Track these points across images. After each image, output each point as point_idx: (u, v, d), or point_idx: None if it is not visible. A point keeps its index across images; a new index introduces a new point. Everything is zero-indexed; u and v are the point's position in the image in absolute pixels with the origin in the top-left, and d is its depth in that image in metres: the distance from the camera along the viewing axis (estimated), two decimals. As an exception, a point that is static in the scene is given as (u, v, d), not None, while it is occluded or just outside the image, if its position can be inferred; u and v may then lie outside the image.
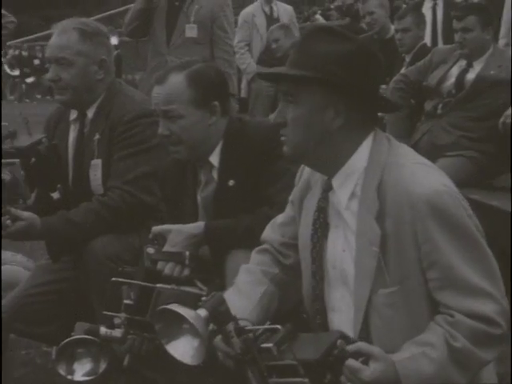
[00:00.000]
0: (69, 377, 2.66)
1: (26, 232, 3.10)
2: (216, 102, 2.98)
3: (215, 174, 3.03)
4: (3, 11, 7.35)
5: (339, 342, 2.07)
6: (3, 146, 3.02)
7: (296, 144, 2.29)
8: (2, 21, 7.23)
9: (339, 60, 2.23)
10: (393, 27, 6.67)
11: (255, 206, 2.92)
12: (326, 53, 2.24)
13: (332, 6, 14.91)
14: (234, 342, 2.16)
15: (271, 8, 8.90)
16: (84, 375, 2.67)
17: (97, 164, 3.32)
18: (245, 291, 2.48)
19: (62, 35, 3.31)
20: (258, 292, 2.48)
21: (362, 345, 2.11)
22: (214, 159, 3.02)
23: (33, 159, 3.06)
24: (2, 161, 3.00)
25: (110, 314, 2.67)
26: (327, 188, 2.35)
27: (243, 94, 9.01)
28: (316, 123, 2.26)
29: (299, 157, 2.36)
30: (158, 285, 2.64)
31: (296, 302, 2.54)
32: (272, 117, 7.75)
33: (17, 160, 3.01)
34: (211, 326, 2.21)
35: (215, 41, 5.93)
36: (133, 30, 5.95)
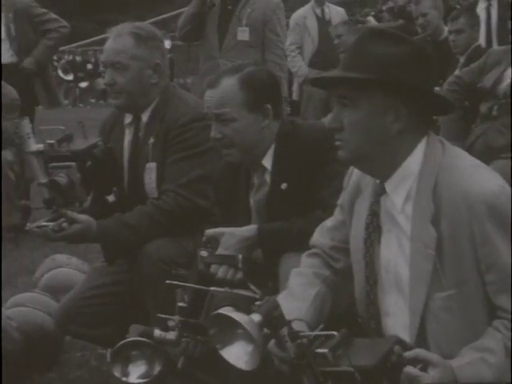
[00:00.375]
0: (124, 379, 2.69)
1: (82, 235, 3.12)
2: (268, 105, 2.98)
3: (268, 177, 3.03)
4: (55, 16, 7.42)
5: (396, 347, 2.05)
6: (60, 149, 3.05)
7: (354, 148, 2.27)
8: (55, 25, 7.31)
9: (396, 62, 2.21)
10: (446, 28, 6.59)
11: (308, 209, 2.91)
12: (382, 55, 2.22)
13: (384, 8, 14.81)
14: (289, 347, 2.15)
15: (323, 10, 8.87)
16: (138, 377, 2.69)
17: (151, 167, 3.33)
18: (298, 293, 2.47)
19: (117, 39, 3.33)
20: (311, 293, 2.47)
21: (420, 351, 2.09)
22: (267, 162, 3.02)
23: (89, 162, 3.08)
24: (59, 164, 3.03)
25: (164, 316, 2.68)
26: (380, 192, 2.33)
27: (295, 96, 8.99)
28: (375, 127, 2.24)
29: (356, 161, 2.34)
30: (212, 288, 2.64)
31: (348, 305, 2.53)
32: (325, 120, 7.72)
33: (73, 163, 3.04)
34: (265, 331, 2.20)
35: (267, 44, 5.94)
36: (186, 33, 5.98)
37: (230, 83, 2.95)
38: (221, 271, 2.79)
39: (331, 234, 2.56)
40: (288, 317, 2.23)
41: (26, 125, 3.03)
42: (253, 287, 2.73)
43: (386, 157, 2.27)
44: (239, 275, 2.80)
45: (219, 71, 3.17)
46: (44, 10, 7.31)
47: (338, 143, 2.29)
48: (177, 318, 2.65)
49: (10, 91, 6.46)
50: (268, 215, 3.02)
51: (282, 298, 2.38)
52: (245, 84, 2.95)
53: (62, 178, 3.01)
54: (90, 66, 28.07)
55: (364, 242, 2.35)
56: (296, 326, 2.28)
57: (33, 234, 3.17)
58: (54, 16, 7.35)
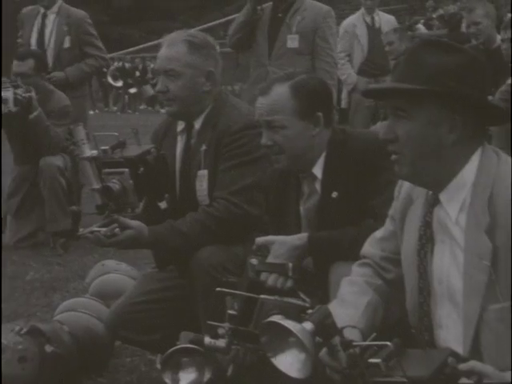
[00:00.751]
0: (174, 385, 2.69)
1: (134, 241, 3.14)
2: (319, 113, 2.98)
3: (318, 186, 3.03)
4: (101, 44, 7.45)
5: (450, 359, 2.02)
6: (114, 156, 3.07)
7: (410, 162, 2.25)
8: (96, 52, 7.35)
9: (452, 73, 2.20)
10: (499, 37, 6.53)
11: (359, 218, 2.90)
12: (436, 65, 2.21)
13: (434, 16, 14.75)
14: (341, 356, 2.14)
15: (373, 18, 8.84)
16: (188, 384, 2.70)
17: (203, 175, 3.34)
18: (350, 301, 2.46)
19: (171, 47, 3.34)
20: (363, 301, 2.46)
21: (475, 363, 2.06)
22: (317, 171, 3.02)
23: (141, 169, 3.09)
24: (112, 170, 3.05)
25: (214, 323, 2.68)
26: (434, 202, 2.31)
27: (343, 104, 8.97)
28: (430, 138, 2.22)
29: (413, 176, 2.31)
30: (262, 296, 2.63)
31: (400, 315, 2.51)
32: (373, 128, 7.69)
33: (126, 169, 3.05)
34: (317, 339, 2.20)
35: (317, 51, 5.93)
36: (236, 41, 6.01)
37: (281, 91, 2.96)
38: (271, 279, 2.79)
39: (382, 244, 2.55)
40: (340, 324, 2.22)
41: (80, 131, 3.04)
42: (303, 296, 2.72)
43: (440, 168, 2.25)
44: (289, 283, 2.80)
45: (271, 79, 3.18)
46: (94, 32, 7.38)
47: (393, 157, 2.28)
48: (227, 325, 2.65)
49: (61, 98, 6.54)
50: (318, 224, 3.02)
51: (334, 307, 2.37)
52: (296, 92, 2.96)
53: (114, 184, 3.02)
54: (137, 73, 28.35)
55: (417, 254, 2.33)
56: (348, 333, 2.28)
57: (84, 239, 3.19)
58: (99, 43, 7.40)
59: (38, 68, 6.39)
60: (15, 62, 6.35)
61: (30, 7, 7.50)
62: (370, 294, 2.48)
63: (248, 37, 5.92)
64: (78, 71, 7.20)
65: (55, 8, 7.29)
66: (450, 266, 2.27)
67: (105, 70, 21.49)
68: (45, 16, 7.30)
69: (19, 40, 7.45)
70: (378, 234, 2.57)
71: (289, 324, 2.18)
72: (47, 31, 7.26)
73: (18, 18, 7.52)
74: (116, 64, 28.20)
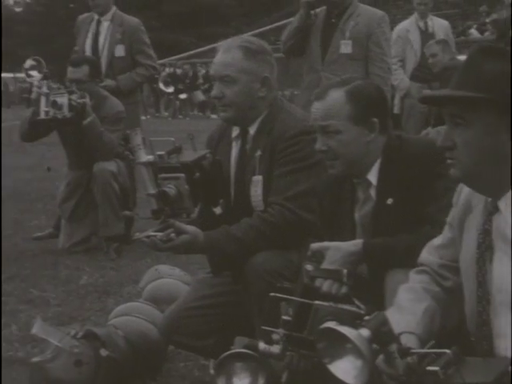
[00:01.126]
0: (228, 390, 2.70)
1: (190, 246, 3.14)
2: (375, 119, 2.97)
3: (373, 192, 3.01)
4: (152, 52, 7.50)
5: (510, 368, 2.00)
6: (170, 161, 3.09)
7: (466, 167, 2.24)
8: (147, 62, 7.40)
9: (509, 80, 2.17)
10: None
11: (415, 225, 2.87)
12: (494, 73, 2.19)
13: (487, 20, 14.61)
14: (398, 364, 2.13)
15: (426, 23, 8.78)
16: (242, 389, 2.70)
17: (258, 180, 3.34)
18: (407, 308, 2.45)
19: (226, 53, 3.35)
20: (421, 308, 2.45)
21: None
22: (372, 177, 3.00)
23: (197, 174, 3.10)
24: (168, 175, 3.07)
25: (268, 329, 2.68)
26: (493, 210, 2.28)
27: (396, 110, 8.92)
28: (488, 146, 2.20)
29: (467, 179, 2.30)
30: (316, 302, 2.62)
31: (458, 322, 2.48)
32: (424, 133, 7.64)
33: (182, 175, 3.06)
34: (374, 346, 2.18)
35: (370, 57, 5.89)
36: (290, 47, 6.00)
37: (337, 96, 2.95)
38: (326, 285, 2.78)
39: (440, 252, 2.53)
40: (397, 330, 2.21)
41: (137, 136, 3.06)
42: (357, 302, 2.70)
43: (499, 175, 2.23)
44: (344, 290, 2.78)
45: (327, 84, 3.17)
46: (146, 40, 7.43)
47: (449, 161, 2.26)
48: (281, 331, 2.65)
49: (115, 103, 6.60)
50: (374, 230, 3.00)
51: (391, 313, 2.36)
52: (352, 97, 2.95)
53: (170, 189, 3.04)
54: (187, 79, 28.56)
55: (476, 262, 2.31)
56: (405, 339, 2.27)
57: (137, 243, 3.21)
58: (150, 51, 7.45)
59: (93, 74, 6.46)
60: (70, 69, 6.43)
61: (85, 14, 7.60)
62: (427, 301, 2.47)
63: (301, 42, 5.91)
64: (128, 80, 7.27)
65: (109, 15, 7.37)
66: (509, 275, 2.23)
67: (156, 76, 21.69)
68: (99, 23, 7.39)
69: (76, 48, 7.54)
70: (436, 241, 2.55)
71: (345, 330, 2.17)
72: (101, 38, 7.35)
73: (75, 25, 7.61)
74: (167, 70, 28.44)
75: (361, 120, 2.95)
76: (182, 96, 28.69)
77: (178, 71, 29.08)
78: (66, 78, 6.46)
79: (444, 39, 8.36)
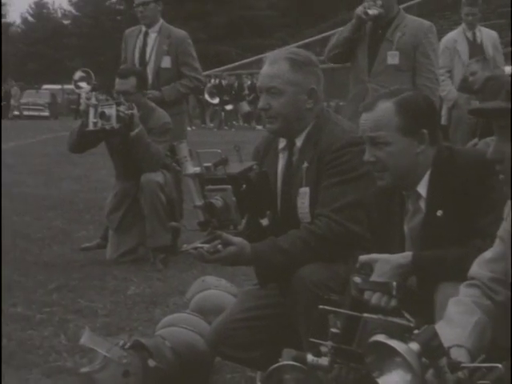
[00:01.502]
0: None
1: (236, 257, 3.14)
2: (425, 131, 2.95)
3: (422, 204, 2.98)
4: (198, 65, 7.52)
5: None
6: (216, 172, 3.09)
7: None
8: (192, 73, 7.42)
9: None
10: None
11: (465, 238, 2.83)
12: None
13: (536, 30, 14.46)
14: (448, 378, 2.10)
15: (474, 33, 8.71)
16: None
17: (305, 192, 3.33)
18: (457, 321, 2.43)
19: (273, 65, 3.35)
20: (471, 321, 2.42)
21: None
22: (422, 189, 2.97)
23: (244, 186, 3.10)
24: (215, 187, 3.07)
25: (316, 341, 2.66)
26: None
27: (443, 121, 8.85)
28: None
29: None
30: (365, 314, 2.60)
31: (508, 337, 2.44)
32: (471, 144, 7.56)
33: (229, 186, 3.07)
34: (423, 360, 2.16)
35: (418, 68, 5.86)
36: (335, 55, 6.00)
37: (386, 107, 2.94)
38: (374, 298, 2.76)
39: (490, 266, 2.50)
40: (447, 344, 2.18)
41: (183, 148, 3.07)
42: (407, 315, 2.67)
43: None
44: (393, 303, 2.75)
45: (376, 95, 3.16)
46: (193, 53, 7.46)
47: (501, 177, 2.23)
48: (329, 343, 2.63)
49: (162, 115, 6.65)
50: (423, 243, 2.97)
51: (441, 327, 2.34)
52: (401, 108, 2.93)
53: (217, 201, 3.04)
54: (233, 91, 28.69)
55: (527, 276, 2.28)
56: (455, 352, 2.24)
57: (183, 254, 3.22)
58: (195, 64, 7.47)
59: (140, 86, 6.52)
60: (117, 80, 6.49)
61: (132, 28, 7.67)
62: (478, 314, 2.44)
63: (348, 53, 5.91)
64: (173, 91, 7.30)
65: (157, 27, 7.44)
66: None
67: (202, 87, 21.89)
68: (146, 34, 7.46)
69: (123, 59, 7.61)
70: (487, 254, 2.52)
71: (395, 344, 2.15)
72: (148, 49, 7.41)
73: (122, 37, 7.68)
74: (213, 81, 28.61)
75: (410, 131, 2.93)
76: (228, 107, 28.83)
77: (224, 82, 29.24)
78: (113, 89, 6.51)
79: (484, 57, 8.28)
